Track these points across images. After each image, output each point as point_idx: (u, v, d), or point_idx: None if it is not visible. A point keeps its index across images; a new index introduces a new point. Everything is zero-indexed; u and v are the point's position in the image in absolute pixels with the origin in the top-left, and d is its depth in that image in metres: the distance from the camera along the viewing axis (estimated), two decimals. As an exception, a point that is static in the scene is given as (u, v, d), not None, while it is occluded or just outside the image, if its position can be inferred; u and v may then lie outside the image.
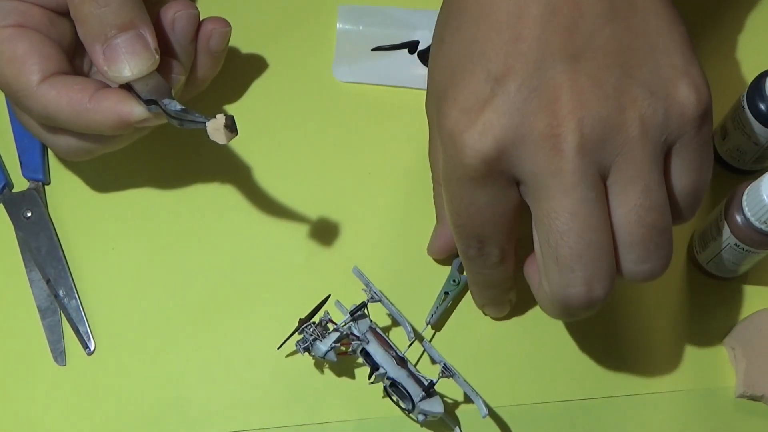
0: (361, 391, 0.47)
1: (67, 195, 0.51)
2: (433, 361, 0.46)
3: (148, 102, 0.41)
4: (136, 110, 0.41)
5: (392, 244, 0.50)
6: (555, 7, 0.35)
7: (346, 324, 0.45)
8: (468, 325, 0.49)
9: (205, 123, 0.39)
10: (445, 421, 0.46)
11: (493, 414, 0.47)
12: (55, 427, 0.47)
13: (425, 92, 0.44)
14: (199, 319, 0.49)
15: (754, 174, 0.50)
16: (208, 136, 0.39)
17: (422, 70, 0.53)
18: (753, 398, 0.47)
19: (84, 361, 0.48)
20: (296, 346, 0.45)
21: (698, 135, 0.36)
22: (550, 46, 0.35)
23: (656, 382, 0.48)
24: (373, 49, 0.53)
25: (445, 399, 0.46)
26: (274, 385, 0.48)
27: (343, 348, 0.45)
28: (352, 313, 0.45)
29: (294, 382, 0.48)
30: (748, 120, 0.47)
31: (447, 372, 0.44)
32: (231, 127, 0.38)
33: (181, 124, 0.40)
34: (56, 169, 0.52)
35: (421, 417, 0.44)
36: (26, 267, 0.50)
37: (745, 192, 0.43)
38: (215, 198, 0.51)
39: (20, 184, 0.51)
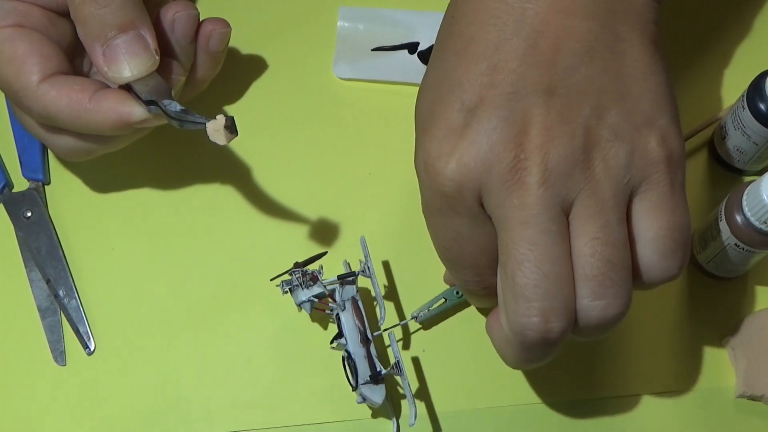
0: (361, 391, 0.47)
1: (67, 195, 0.51)
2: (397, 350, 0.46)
3: (148, 102, 0.41)
4: (136, 111, 0.41)
5: (392, 244, 0.50)
6: (535, 41, 0.36)
7: (330, 285, 0.45)
8: (467, 322, 0.49)
9: (205, 124, 0.39)
10: (387, 410, 0.47)
11: (493, 414, 0.47)
12: (55, 427, 0.47)
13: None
14: (199, 319, 0.49)
15: (754, 174, 0.50)
16: (207, 137, 0.39)
17: (423, 69, 0.53)
18: (753, 398, 0.47)
19: (84, 361, 0.48)
20: (281, 284, 0.46)
21: (663, 180, 0.36)
22: (525, 79, 0.36)
23: (656, 382, 0.48)
24: (374, 50, 0.54)
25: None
26: (274, 385, 0.48)
27: (320, 306, 0.46)
28: (339, 278, 0.45)
29: (294, 382, 0.48)
30: (749, 120, 0.47)
31: (396, 369, 0.44)
32: (231, 127, 0.38)
33: (181, 125, 0.40)
34: (56, 169, 0.52)
35: (359, 399, 0.45)
36: (26, 267, 0.50)
37: (745, 192, 0.43)
38: (215, 198, 0.51)
39: (20, 184, 0.51)
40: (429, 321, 0.48)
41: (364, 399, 0.44)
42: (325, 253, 0.47)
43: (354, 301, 0.45)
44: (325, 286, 0.45)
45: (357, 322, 0.45)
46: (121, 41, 0.40)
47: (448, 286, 0.48)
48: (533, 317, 0.35)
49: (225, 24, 0.46)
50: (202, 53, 0.46)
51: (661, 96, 0.37)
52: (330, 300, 0.45)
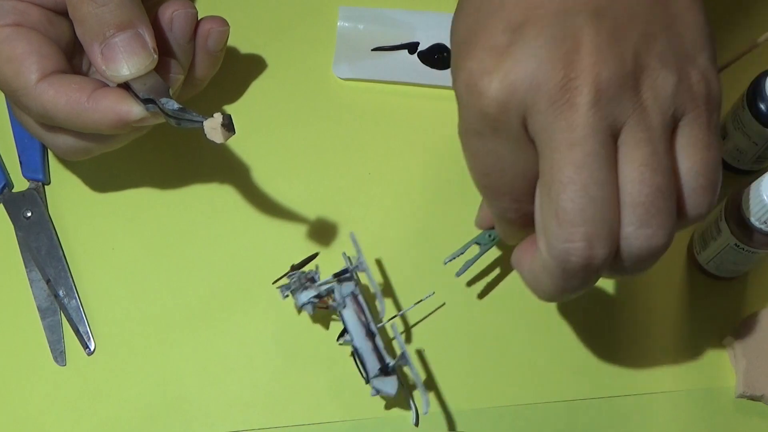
0: (361, 391, 0.47)
1: (67, 195, 0.51)
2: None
3: (146, 101, 0.41)
4: (134, 110, 0.41)
5: (392, 244, 0.50)
6: None
7: (328, 284, 0.45)
8: (468, 324, 0.49)
9: (202, 122, 0.39)
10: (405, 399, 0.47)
11: (492, 414, 0.47)
12: (55, 427, 0.47)
13: (426, 90, 0.43)
14: (199, 318, 0.49)
15: (754, 174, 0.50)
16: (205, 135, 0.39)
17: (423, 69, 0.53)
18: (753, 398, 0.47)
19: (84, 361, 0.48)
20: (280, 290, 0.46)
21: (702, 116, 0.36)
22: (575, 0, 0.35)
23: (656, 382, 0.48)
24: (374, 50, 0.54)
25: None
26: (274, 385, 0.48)
27: (322, 305, 0.46)
28: (336, 276, 0.45)
29: (294, 382, 0.48)
30: (748, 120, 0.47)
31: (404, 360, 0.44)
32: (228, 126, 0.38)
33: (179, 124, 0.40)
34: (56, 169, 0.52)
35: (373, 392, 0.45)
36: (26, 267, 0.50)
37: (745, 192, 0.43)
38: (215, 197, 0.51)
39: (20, 184, 0.51)
40: (438, 325, 0.48)
41: (378, 392, 0.45)
42: (317, 254, 0.47)
43: (354, 296, 0.45)
44: (320, 287, 0.45)
45: (360, 316, 0.45)
46: (119, 40, 0.40)
47: (442, 284, 0.48)
48: (578, 242, 0.35)
49: (223, 23, 0.46)
50: (201, 52, 0.46)
51: (703, 33, 0.37)
52: (329, 299, 0.46)
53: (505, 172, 0.37)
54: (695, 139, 0.36)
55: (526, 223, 0.39)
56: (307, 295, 0.45)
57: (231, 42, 0.48)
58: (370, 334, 0.45)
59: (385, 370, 0.44)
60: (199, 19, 0.45)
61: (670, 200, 0.35)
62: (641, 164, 0.35)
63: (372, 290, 0.46)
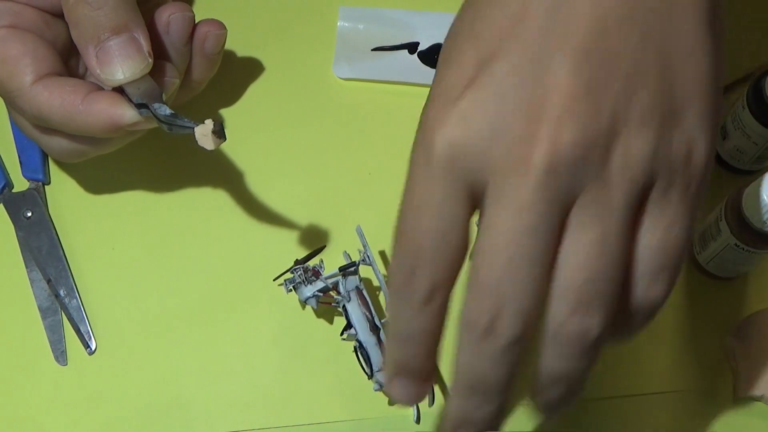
0: (361, 391, 0.47)
1: (68, 195, 0.51)
2: None
3: (139, 106, 0.41)
4: (127, 113, 0.41)
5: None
6: None
7: (332, 278, 0.45)
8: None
9: (193, 128, 0.39)
10: None
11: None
12: (56, 427, 0.47)
13: (426, 90, 0.43)
14: (200, 318, 0.49)
15: (754, 174, 0.50)
16: (196, 141, 0.39)
17: (423, 68, 0.53)
18: (753, 398, 0.47)
19: (85, 361, 0.48)
20: (284, 283, 0.46)
21: (676, 189, 0.31)
22: (554, 34, 0.30)
23: (656, 382, 0.48)
24: (374, 50, 0.54)
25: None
26: (274, 385, 0.48)
27: (326, 300, 0.46)
28: (341, 269, 0.45)
29: (294, 382, 0.48)
30: (749, 120, 0.47)
31: None
32: (219, 132, 0.38)
33: (171, 129, 0.40)
34: (56, 169, 0.52)
35: (376, 386, 0.45)
36: (27, 267, 0.50)
37: (745, 192, 0.43)
38: (215, 197, 0.51)
39: (20, 184, 0.51)
40: None
41: (381, 386, 0.45)
42: (323, 247, 0.47)
43: (358, 290, 0.46)
44: (326, 281, 0.45)
45: (364, 310, 0.45)
46: (114, 43, 0.40)
47: None
48: (484, 313, 0.30)
49: (220, 26, 0.46)
50: (198, 55, 0.46)
51: (701, 83, 0.31)
52: (334, 293, 0.46)
53: (424, 218, 0.32)
54: (660, 215, 0.31)
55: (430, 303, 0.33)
56: (311, 289, 0.45)
57: (231, 43, 0.48)
58: (375, 328, 0.45)
59: None
60: (196, 22, 0.45)
61: (613, 284, 0.31)
62: (586, 245, 0.30)
63: (376, 283, 0.46)
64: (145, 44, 0.41)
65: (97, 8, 0.40)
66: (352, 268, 0.46)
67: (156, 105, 0.40)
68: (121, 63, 0.40)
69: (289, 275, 0.46)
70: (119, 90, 0.42)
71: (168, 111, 0.40)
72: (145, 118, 0.41)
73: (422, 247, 0.32)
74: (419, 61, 0.53)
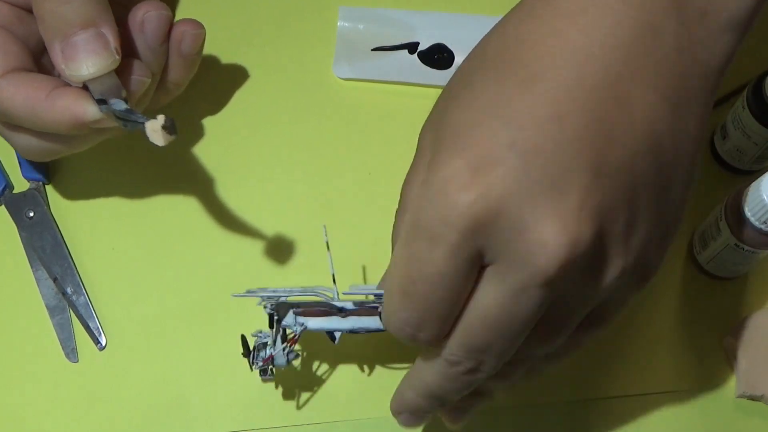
0: (361, 391, 0.47)
1: (69, 193, 0.51)
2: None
3: (99, 102, 0.40)
4: (90, 110, 0.40)
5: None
6: (603, 114, 0.31)
7: (277, 337, 0.43)
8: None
9: (143, 123, 0.37)
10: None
11: (492, 414, 0.47)
12: (66, 424, 0.47)
13: (426, 90, 0.43)
14: (200, 318, 0.49)
15: (754, 174, 0.50)
16: (147, 137, 0.37)
17: (423, 68, 0.53)
18: (753, 398, 0.47)
19: (96, 357, 0.48)
20: (261, 376, 0.44)
21: (608, 315, 0.37)
22: (584, 149, 0.31)
23: (656, 382, 0.48)
24: (374, 49, 0.54)
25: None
26: (274, 385, 0.48)
27: (293, 346, 0.43)
28: (272, 327, 0.43)
29: (294, 382, 0.48)
30: (748, 120, 0.46)
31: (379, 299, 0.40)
32: (170, 128, 0.37)
33: (126, 125, 0.39)
34: (56, 168, 0.52)
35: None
36: (32, 267, 0.50)
37: (745, 192, 0.43)
38: (216, 196, 0.51)
39: (21, 184, 0.51)
40: None
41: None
42: (243, 337, 0.44)
43: (298, 313, 0.42)
44: (274, 343, 0.43)
45: (320, 315, 0.42)
46: (80, 39, 0.39)
47: None
48: (469, 361, 0.35)
49: (198, 25, 0.45)
50: (175, 55, 0.45)
51: (681, 212, 0.34)
52: (292, 337, 0.43)
53: (435, 290, 0.33)
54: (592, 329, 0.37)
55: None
56: (281, 356, 0.43)
57: (230, 42, 0.48)
58: (341, 311, 0.42)
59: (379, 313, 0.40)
60: (174, 21, 0.44)
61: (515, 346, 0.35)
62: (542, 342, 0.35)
63: (331, 272, 0.43)
64: (112, 41, 0.40)
65: (64, 3, 0.39)
66: (285, 333, 0.43)
67: (113, 101, 0.40)
68: (86, 59, 0.39)
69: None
70: (85, 87, 0.41)
71: (123, 106, 0.39)
72: (107, 115, 0.40)
73: (432, 310, 0.34)
74: (419, 61, 0.53)
